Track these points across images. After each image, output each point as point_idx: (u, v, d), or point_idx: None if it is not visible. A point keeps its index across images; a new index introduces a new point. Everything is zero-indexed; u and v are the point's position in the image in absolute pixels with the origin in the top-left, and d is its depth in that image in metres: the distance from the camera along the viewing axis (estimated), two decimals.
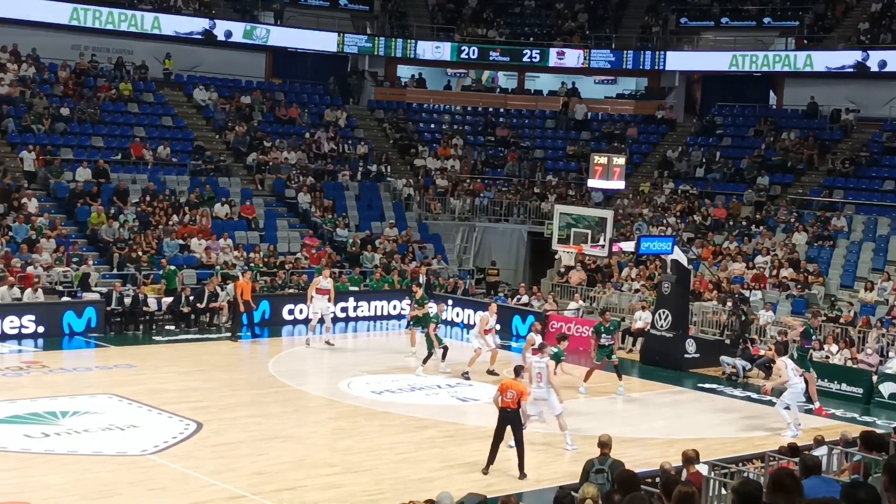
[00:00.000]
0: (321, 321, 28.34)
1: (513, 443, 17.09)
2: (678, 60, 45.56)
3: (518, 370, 17.93)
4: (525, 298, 32.65)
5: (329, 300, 28.51)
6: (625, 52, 46.07)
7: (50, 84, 38.69)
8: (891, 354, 25.91)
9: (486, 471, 16.81)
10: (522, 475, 16.76)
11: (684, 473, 12.76)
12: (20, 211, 32.14)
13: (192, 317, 29.77)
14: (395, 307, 33.10)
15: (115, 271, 31.46)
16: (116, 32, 40.86)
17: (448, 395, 22.64)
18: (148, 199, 34.85)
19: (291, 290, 32.08)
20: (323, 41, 45.39)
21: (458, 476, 16.57)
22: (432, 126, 46.63)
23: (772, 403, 21.65)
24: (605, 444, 13.47)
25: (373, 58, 47.32)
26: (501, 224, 41.13)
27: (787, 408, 20.73)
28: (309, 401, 21.65)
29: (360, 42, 46.36)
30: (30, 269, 29.34)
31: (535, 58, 46.92)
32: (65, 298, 28.96)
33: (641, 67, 46.25)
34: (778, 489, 6.44)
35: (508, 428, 16.88)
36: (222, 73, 43.54)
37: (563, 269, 35.18)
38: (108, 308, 28.62)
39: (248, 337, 28.94)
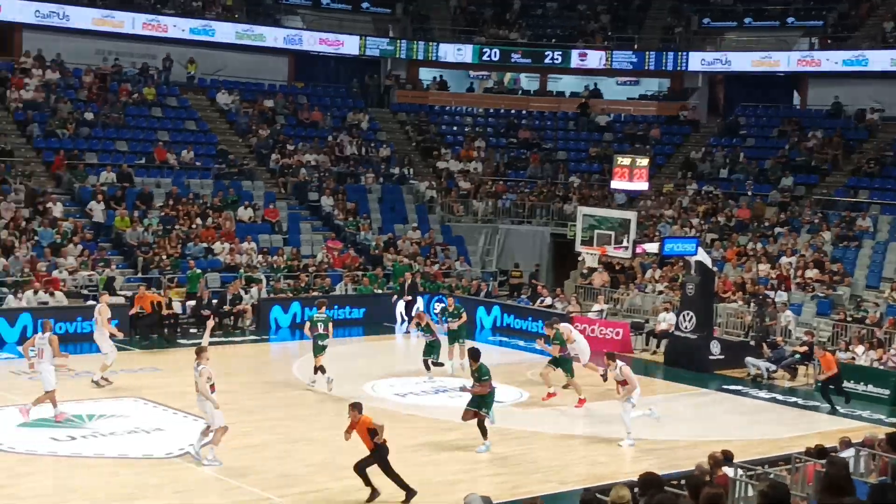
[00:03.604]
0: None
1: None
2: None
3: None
4: (548, 300, 32.61)
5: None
6: (647, 53, 45.96)
7: (74, 89, 38.92)
8: None
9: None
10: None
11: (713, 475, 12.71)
12: (45, 215, 32.33)
13: (217, 319, 29.82)
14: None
15: (139, 275, 31.58)
16: (140, 37, 41.18)
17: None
18: (172, 202, 35.00)
19: (315, 293, 32.18)
20: (345, 44, 45.53)
21: (483, 478, 16.57)
22: (454, 128, 46.67)
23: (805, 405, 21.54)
24: None
25: (395, 60, 47.43)
26: (524, 226, 41.10)
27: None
28: (333, 403, 21.65)
29: (382, 45, 46.44)
30: (55, 273, 29.54)
31: (557, 59, 46.85)
32: (90, 302, 29.08)
33: (664, 68, 46.12)
34: (833, 490, 6.41)
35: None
36: (245, 76, 43.71)
37: (586, 271, 35.11)
38: (132, 311, 28.73)
39: (277, 340, 28.99)
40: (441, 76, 48.44)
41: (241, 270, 32.46)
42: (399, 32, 48.00)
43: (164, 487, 15.61)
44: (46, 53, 39.19)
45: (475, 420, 18.52)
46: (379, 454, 15.51)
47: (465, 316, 26.08)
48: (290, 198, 38.98)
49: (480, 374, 18.46)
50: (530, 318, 31.50)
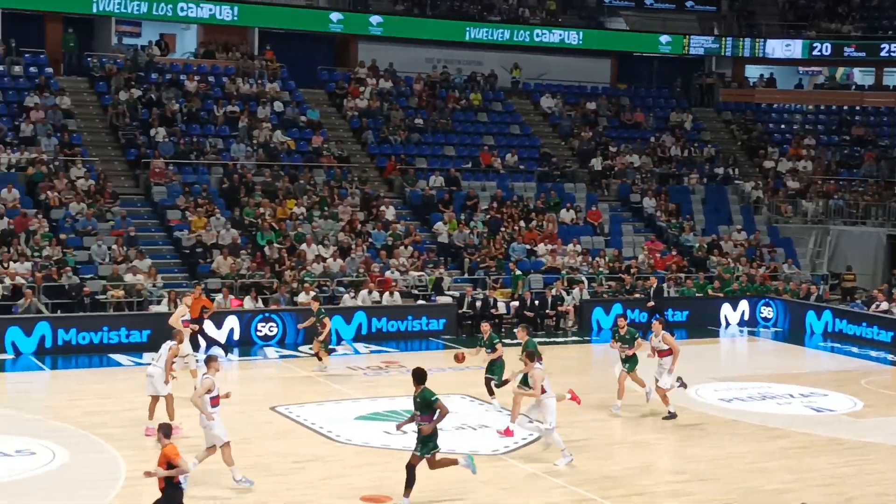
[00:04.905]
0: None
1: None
2: None
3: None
4: (884, 305, 30.98)
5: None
6: None
7: (406, 96, 40.54)
8: None
9: None
10: None
11: None
12: (379, 218, 33.86)
13: (539, 320, 30.27)
14: (744, 313, 32.35)
15: (465, 276, 32.51)
16: (467, 44, 42.49)
17: (801, 405, 21.87)
18: (496, 205, 35.80)
19: (637, 295, 32.01)
20: (668, 44, 45.17)
21: (813, 489, 15.95)
22: (782, 126, 45.37)
23: None
24: None
25: (719, 58, 46.59)
26: (858, 227, 39.32)
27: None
28: (656, 406, 21.47)
29: (706, 43, 45.71)
30: (388, 273, 30.88)
31: (895, 52, 44.54)
32: (420, 302, 30.22)
33: None
34: None
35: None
36: (568, 80, 44.12)
37: None
38: (460, 311, 29.61)
39: (599, 341, 28.92)
40: (771, 74, 47.17)
41: (563, 272, 32.77)
42: (724, 30, 47.10)
43: (491, 483, 15.96)
44: (380, 63, 41.05)
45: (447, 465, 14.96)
46: (170, 499, 12.38)
47: (640, 341, 20.76)
48: (613, 199, 39.00)
49: (428, 398, 14.63)
50: (864, 324, 30.07)
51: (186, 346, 20.84)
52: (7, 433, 18.02)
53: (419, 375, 14.74)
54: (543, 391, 17.05)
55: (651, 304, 30.12)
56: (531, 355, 17.68)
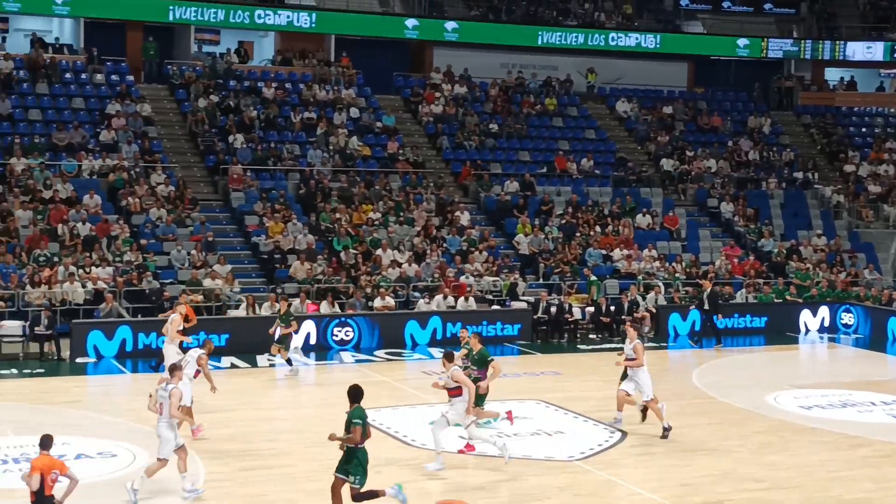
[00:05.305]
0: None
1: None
2: None
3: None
4: None
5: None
6: None
7: (480, 102, 40.61)
8: None
9: None
10: None
11: None
12: (454, 224, 33.92)
13: (614, 326, 30.09)
14: (824, 319, 31.84)
15: (540, 281, 32.44)
16: (542, 49, 42.45)
17: (883, 413, 21.47)
18: (571, 210, 35.68)
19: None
20: (747, 47, 44.73)
21: None
22: (863, 130, 44.70)
23: None
24: None
25: (798, 61, 46.01)
26: None
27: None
28: (734, 413, 21.25)
29: (785, 46, 45.17)
30: (462, 278, 30.91)
31: None
32: (494, 307, 30.21)
33: None
34: None
35: None
36: (644, 84, 43.86)
37: None
38: (535, 316, 29.54)
39: (675, 347, 28.65)
40: (852, 77, 46.49)
41: (639, 277, 32.56)
42: (804, 32, 46.52)
43: (565, 490, 15.90)
44: (455, 69, 41.15)
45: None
46: None
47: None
48: (689, 204, 38.68)
49: (351, 418, 13.60)
50: None
51: (173, 353, 20.83)
52: (89, 435, 18.34)
53: (353, 394, 13.80)
54: (458, 392, 16.59)
55: (720, 315, 29.37)
56: (449, 356, 16.88)
